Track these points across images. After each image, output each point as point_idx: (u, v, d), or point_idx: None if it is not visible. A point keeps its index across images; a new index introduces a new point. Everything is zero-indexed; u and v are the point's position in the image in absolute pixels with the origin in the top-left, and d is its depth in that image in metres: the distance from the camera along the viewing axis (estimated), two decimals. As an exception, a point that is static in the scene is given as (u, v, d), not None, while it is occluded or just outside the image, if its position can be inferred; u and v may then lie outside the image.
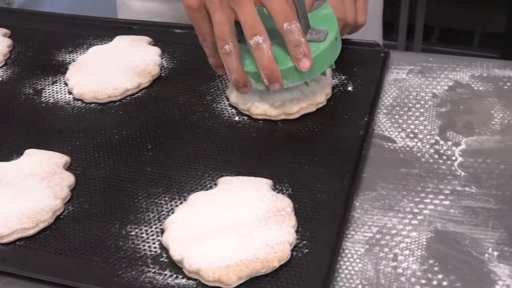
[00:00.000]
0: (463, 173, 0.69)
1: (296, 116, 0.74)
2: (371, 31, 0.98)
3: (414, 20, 2.22)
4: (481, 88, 0.79)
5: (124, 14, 1.03)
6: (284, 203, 0.63)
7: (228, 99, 0.78)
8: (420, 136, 0.73)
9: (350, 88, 0.78)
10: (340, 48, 0.75)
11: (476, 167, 0.69)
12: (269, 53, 0.68)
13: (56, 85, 0.84)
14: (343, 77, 0.80)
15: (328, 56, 0.73)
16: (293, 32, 0.69)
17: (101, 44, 0.89)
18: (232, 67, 0.70)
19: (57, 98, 0.81)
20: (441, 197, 0.66)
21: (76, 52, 0.88)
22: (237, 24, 0.70)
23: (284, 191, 0.66)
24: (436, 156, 0.71)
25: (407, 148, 0.72)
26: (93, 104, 0.80)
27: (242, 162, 0.70)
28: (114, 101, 0.80)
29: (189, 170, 0.70)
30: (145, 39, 0.87)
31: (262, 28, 0.68)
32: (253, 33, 0.68)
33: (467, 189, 0.67)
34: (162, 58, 0.85)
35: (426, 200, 0.66)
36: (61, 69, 0.86)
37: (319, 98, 0.75)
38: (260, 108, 0.74)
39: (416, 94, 0.79)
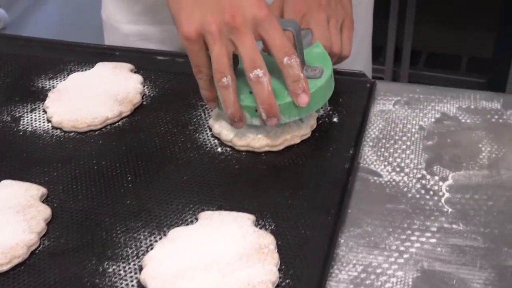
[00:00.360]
0: (450, 210, 0.67)
1: (280, 148, 0.73)
2: (360, 59, 0.96)
3: (401, 44, 2.22)
4: (468, 121, 0.78)
5: (111, 36, 1.01)
6: (267, 240, 0.61)
7: (211, 129, 0.76)
8: (407, 170, 0.72)
9: (335, 119, 0.77)
10: (333, 86, 0.74)
11: (463, 203, 0.68)
12: (268, 88, 0.67)
13: (35, 113, 0.81)
14: (329, 107, 0.78)
15: (324, 93, 0.73)
16: (292, 67, 0.68)
17: (82, 71, 0.87)
18: (228, 101, 0.68)
19: (35, 126, 0.79)
20: (428, 234, 0.64)
21: (56, 79, 0.86)
22: (233, 56, 0.68)
23: (267, 227, 0.64)
24: (422, 192, 0.69)
25: (393, 183, 0.70)
26: (73, 133, 0.78)
27: (224, 196, 0.68)
28: (94, 130, 0.78)
29: (169, 203, 0.68)
30: (127, 66, 0.85)
31: (262, 62, 0.67)
32: (253, 66, 0.67)
33: (454, 226, 0.65)
34: (144, 86, 0.84)
35: (412, 238, 0.64)
36: (41, 96, 0.84)
37: (304, 129, 0.74)
38: (243, 140, 0.72)
39: (403, 126, 0.77)
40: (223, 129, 0.74)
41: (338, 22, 0.79)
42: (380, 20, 2.23)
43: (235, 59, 0.68)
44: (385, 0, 2.14)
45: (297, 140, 0.73)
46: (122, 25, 0.98)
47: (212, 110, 0.77)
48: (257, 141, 0.72)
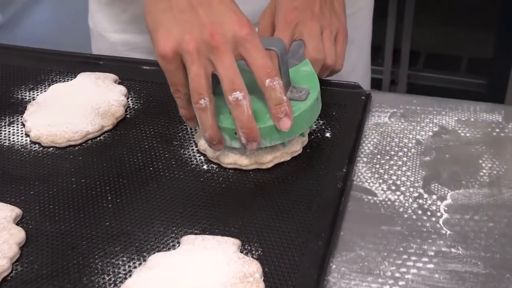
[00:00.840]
0: (448, 232, 0.63)
1: (269, 165, 0.69)
2: (358, 69, 0.92)
3: (400, 44, 2.18)
4: (468, 135, 0.74)
5: (98, 44, 0.97)
6: (252, 268, 0.58)
7: (196, 145, 0.72)
8: (403, 188, 0.68)
9: (328, 135, 0.73)
10: (320, 109, 0.71)
11: (463, 224, 0.64)
12: (248, 111, 0.64)
13: (13, 126, 0.78)
14: (321, 121, 0.74)
15: (309, 116, 0.69)
16: (275, 90, 0.64)
17: (64, 81, 0.83)
18: (206, 124, 0.65)
19: (13, 140, 0.75)
20: (425, 259, 0.60)
21: (37, 90, 0.82)
22: (213, 76, 0.65)
23: (254, 252, 0.61)
24: (419, 212, 0.65)
25: (389, 202, 0.66)
26: (51, 148, 0.74)
27: (209, 217, 0.64)
28: (74, 146, 0.74)
29: (150, 225, 0.64)
30: (111, 76, 0.81)
31: (242, 84, 0.63)
32: (232, 88, 0.63)
33: (453, 250, 0.61)
34: (128, 98, 0.80)
35: (408, 263, 0.60)
36: (19, 108, 0.80)
37: (295, 146, 0.70)
38: (230, 157, 0.69)
39: (399, 141, 0.74)
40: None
41: (332, 33, 0.75)
42: (378, 20, 2.19)
43: (215, 78, 0.65)
44: (383, 0, 2.10)
45: (287, 158, 0.69)
46: (109, 33, 0.94)
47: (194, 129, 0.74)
48: (245, 159, 0.68)
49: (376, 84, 2.21)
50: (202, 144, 0.70)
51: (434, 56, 2.29)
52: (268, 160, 0.68)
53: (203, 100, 0.63)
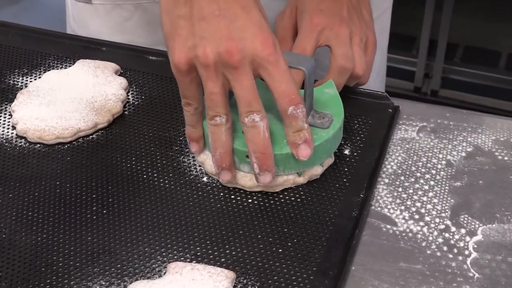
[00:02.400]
0: (477, 275, 0.55)
1: (278, 189, 0.61)
2: (379, 76, 0.83)
3: (436, 36, 2.07)
4: (506, 158, 0.65)
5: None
6: (246, 308, 0.50)
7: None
8: (427, 218, 0.59)
9: (347, 152, 0.64)
10: (341, 137, 0.63)
11: (493, 267, 0.55)
12: (265, 134, 0.56)
13: (0, 116, 0.70)
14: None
15: (330, 146, 0.61)
16: (297, 118, 0.57)
17: (61, 68, 0.75)
18: (219, 141, 0.57)
19: (-3, 133, 0.68)
20: (447, 308, 0.52)
21: (31, 75, 0.75)
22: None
23: (250, 287, 0.53)
24: (445, 248, 0.57)
25: (410, 234, 0.58)
26: (38, 145, 0.67)
27: (202, 241, 0.57)
28: (63, 143, 0.66)
29: (136, 245, 0.57)
30: (111, 66, 0.73)
31: (260, 106, 0.56)
32: (249, 111, 0.56)
33: (480, 298, 0.53)
34: (128, 92, 0.72)
35: (427, 311, 0.52)
36: (10, 95, 0.73)
37: (314, 169, 0.61)
38: (231, 175, 0.60)
39: (427, 161, 0.65)
40: (208, 158, 0.62)
41: (362, 41, 0.66)
42: (415, 9, 2.09)
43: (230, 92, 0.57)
44: (422, -13, 2.00)
45: (303, 182, 0.61)
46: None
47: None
48: (249, 180, 0.60)
49: (408, 76, 2.11)
50: (201, 156, 0.62)
51: (472, 49, 2.17)
52: (278, 183, 0.60)
53: (219, 117, 0.56)
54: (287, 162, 0.59)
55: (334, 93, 0.64)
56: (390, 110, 0.68)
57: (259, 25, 0.55)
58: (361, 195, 0.59)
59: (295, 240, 0.56)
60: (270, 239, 0.56)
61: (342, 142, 0.64)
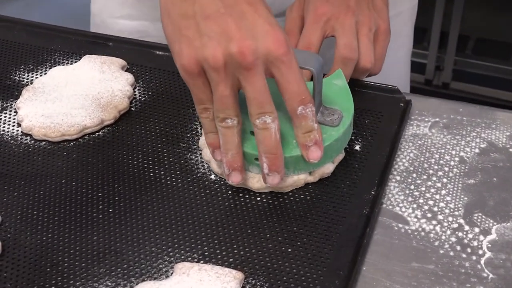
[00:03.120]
0: (491, 276, 0.53)
1: (287, 190, 0.59)
2: (392, 78, 0.81)
3: (448, 27, 2.05)
4: (521, 154, 0.64)
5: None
6: (254, 310, 0.49)
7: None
8: (440, 217, 0.58)
9: (357, 148, 0.63)
10: (351, 132, 0.62)
11: (508, 267, 0.54)
12: (276, 136, 0.55)
13: (5, 113, 0.69)
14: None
15: (340, 144, 0.60)
16: (306, 118, 0.55)
17: (67, 64, 0.74)
18: (231, 143, 0.56)
19: (2, 130, 0.67)
20: (461, 309, 0.51)
21: (36, 72, 0.74)
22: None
23: None
24: (458, 248, 0.55)
25: (422, 233, 0.57)
26: (44, 142, 0.66)
27: (210, 241, 0.55)
28: (69, 140, 0.65)
29: (143, 245, 0.56)
30: (118, 61, 0.72)
31: (272, 108, 0.54)
32: (261, 112, 0.54)
33: (495, 300, 0.52)
34: (134, 88, 0.71)
35: (440, 313, 0.51)
36: (15, 92, 0.72)
37: (325, 167, 0.60)
38: (239, 176, 0.59)
39: (439, 157, 0.63)
40: (215, 157, 0.61)
41: (371, 30, 0.64)
42: (426, 1, 2.06)
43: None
44: (433, -21, 1.98)
45: (313, 180, 0.60)
46: (115, 20, 0.83)
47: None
48: (256, 181, 0.58)
49: (420, 68, 2.09)
50: (207, 154, 0.61)
51: (484, 41, 2.15)
52: (287, 184, 0.59)
53: (230, 120, 0.55)
54: (297, 163, 0.57)
55: (343, 84, 0.62)
56: (402, 104, 0.66)
57: (269, 21, 0.53)
58: (372, 192, 0.58)
59: (305, 239, 0.55)
60: (279, 238, 0.55)
61: (353, 138, 0.63)
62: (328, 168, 0.59)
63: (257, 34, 0.52)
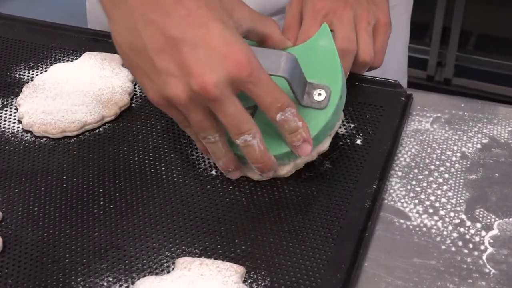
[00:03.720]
0: (493, 271, 0.53)
1: (288, 175, 0.59)
2: (392, 70, 0.81)
3: (450, 23, 2.04)
4: (523, 149, 0.63)
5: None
6: (255, 305, 0.49)
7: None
8: (442, 212, 0.58)
9: (358, 142, 0.63)
10: (343, 105, 0.60)
11: (510, 263, 0.54)
12: (260, 147, 0.54)
13: (6, 110, 0.69)
14: (352, 125, 0.64)
15: (331, 124, 0.59)
16: (288, 121, 0.54)
17: (67, 61, 0.74)
18: (219, 154, 0.56)
19: (3, 127, 0.67)
20: (463, 304, 0.51)
21: (37, 69, 0.74)
22: None
23: (260, 282, 0.52)
24: (460, 243, 0.55)
25: (424, 229, 0.57)
26: (44, 139, 0.65)
27: (211, 236, 0.55)
28: (70, 137, 0.65)
29: (144, 240, 0.55)
30: (118, 58, 0.72)
31: (249, 124, 0.53)
32: (240, 133, 0.53)
33: (497, 295, 0.52)
34: (135, 84, 0.71)
35: (442, 308, 0.51)
36: (16, 89, 0.72)
37: (321, 145, 0.59)
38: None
39: (441, 153, 0.63)
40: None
41: (369, 24, 0.64)
42: (428, -5, 2.06)
43: None
44: (434, -26, 1.97)
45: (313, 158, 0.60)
46: None
47: None
48: (256, 172, 0.58)
49: (421, 64, 2.08)
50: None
51: (486, 37, 2.14)
52: (287, 171, 0.59)
53: (211, 137, 0.54)
54: (290, 155, 0.57)
55: (329, 45, 0.60)
56: (403, 99, 0.66)
57: (225, 41, 0.50)
58: (374, 186, 0.58)
59: (306, 233, 0.55)
60: (281, 232, 0.55)
61: (354, 132, 0.63)
62: (324, 146, 0.59)
63: (215, 62, 0.49)
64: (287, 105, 0.53)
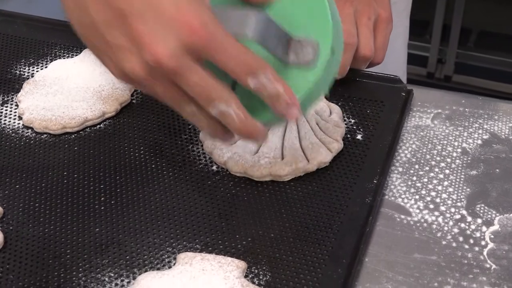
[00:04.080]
0: (494, 266, 0.53)
1: (287, 179, 0.59)
2: (392, 66, 0.81)
3: (450, 20, 2.04)
4: (524, 145, 0.63)
5: None
6: (257, 300, 0.49)
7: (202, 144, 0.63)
8: (443, 208, 0.58)
9: (359, 137, 0.63)
10: (339, 63, 0.52)
11: (511, 258, 0.54)
12: (239, 115, 0.48)
13: (6, 106, 0.69)
14: (352, 120, 0.64)
15: (324, 82, 0.51)
16: (265, 86, 0.47)
17: (68, 57, 0.74)
18: (202, 123, 0.50)
19: (4, 123, 0.67)
20: (463, 299, 0.51)
21: (37, 65, 0.74)
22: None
23: (261, 277, 0.52)
24: (460, 239, 0.55)
25: (425, 224, 0.57)
26: (45, 135, 0.66)
27: (212, 231, 0.55)
28: (70, 133, 0.65)
29: (145, 235, 0.56)
30: (119, 54, 0.72)
31: (220, 91, 0.47)
32: (210, 102, 0.47)
33: (498, 290, 0.52)
34: (135, 80, 0.71)
35: (443, 303, 0.51)
36: (16, 85, 0.72)
37: (322, 156, 0.59)
38: (240, 165, 0.59)
39: (442, 148, 0.63)
40: (216, 148, 0.60)
41: (370, 19, 0.64)
42: (428, -7, 2.06)
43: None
44: (434, -29, 1.97)
45: (312, 169, 0.60)
46: None
47: None
48: (257, 169, 0.58)
49: (422, 61, 2.08)
50: (208, 146, 0.61)
51: (486, 34, 2.14)
52: (286, 173, 0.59)
53: (187, 108, 0.49)
54: (278, 119, 0.51)
55: None
56: (404, 94, 0.66)
57: (175, 5, 0.44)
58: (375, 181, 0.58)
59: (307, 228, 0.55)
60: (282, 228, 0.55)
61: (354, 127, 0.63)
62: (326, 158, 0.59)
63: (167, 30, 0.44)
64: (258, 68, 0.46)
